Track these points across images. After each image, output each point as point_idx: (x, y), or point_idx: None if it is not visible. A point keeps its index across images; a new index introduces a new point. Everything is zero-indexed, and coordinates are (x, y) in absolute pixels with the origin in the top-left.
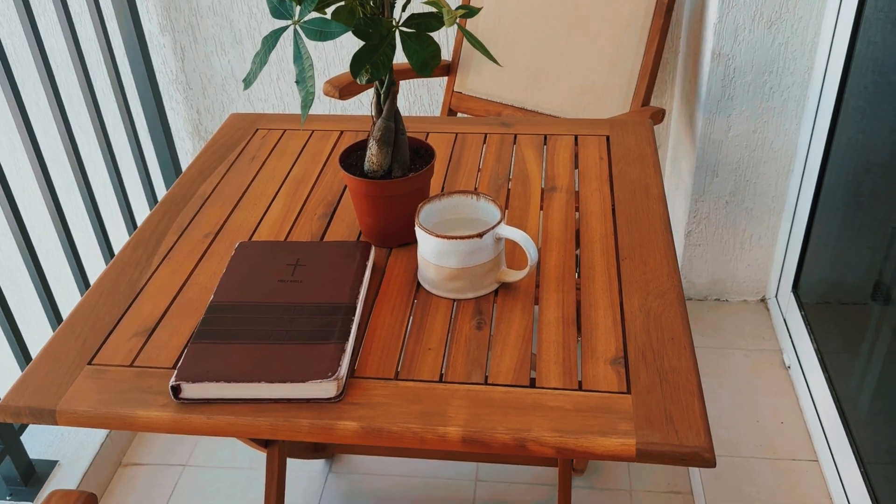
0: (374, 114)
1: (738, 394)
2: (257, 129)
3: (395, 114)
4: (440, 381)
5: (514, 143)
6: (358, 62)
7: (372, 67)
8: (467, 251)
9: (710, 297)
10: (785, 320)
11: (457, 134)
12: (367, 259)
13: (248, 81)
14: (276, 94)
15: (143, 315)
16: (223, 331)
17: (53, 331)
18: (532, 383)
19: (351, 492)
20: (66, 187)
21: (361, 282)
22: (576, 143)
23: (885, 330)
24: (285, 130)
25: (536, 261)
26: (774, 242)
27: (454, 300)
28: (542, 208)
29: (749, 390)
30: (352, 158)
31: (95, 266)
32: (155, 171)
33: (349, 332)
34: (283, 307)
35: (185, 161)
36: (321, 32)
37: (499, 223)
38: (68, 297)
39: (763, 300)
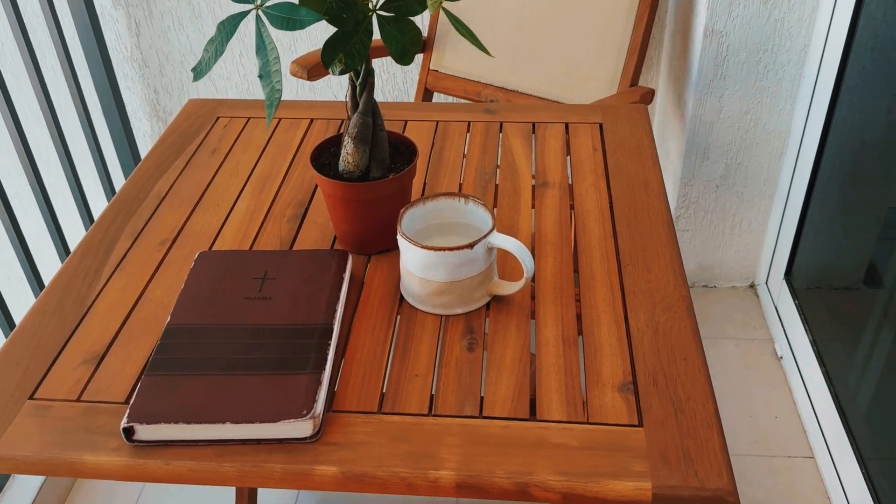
0: (348, 108)
1: (729, 386)
2: (218, 118)
3: (373, 107)
4: (430, 413)
5: (501, 131)
6: (330, 50)
7: (346, 57)
8: (456, 263)
9: (697, 283)
10: (776, 308)
11: (437, 122)
12: (344, 271)
13: (198, 72)
14: (238, 71)
15: (91, 338)
16: (181, 360)
17: (4, 332)
18: (532, 408)
19: (327, 498)
20: (15, 174)
21: (338, 298)
22: (567, 132)
23: (884, 318)
24: (249, 119)
25: (532, 273)
26: (765, 227)
27: (442, 316)
28: (533, 206)
29: (741, 382)
30: (324, 157)
31: (49, 259)
32: (111, 154)
33: (325, 359)
34: (251, 330)
35: (143, 144)
36: (288, 20)
37: (490, 231)
38: (24, 292)
39: (752, 286)
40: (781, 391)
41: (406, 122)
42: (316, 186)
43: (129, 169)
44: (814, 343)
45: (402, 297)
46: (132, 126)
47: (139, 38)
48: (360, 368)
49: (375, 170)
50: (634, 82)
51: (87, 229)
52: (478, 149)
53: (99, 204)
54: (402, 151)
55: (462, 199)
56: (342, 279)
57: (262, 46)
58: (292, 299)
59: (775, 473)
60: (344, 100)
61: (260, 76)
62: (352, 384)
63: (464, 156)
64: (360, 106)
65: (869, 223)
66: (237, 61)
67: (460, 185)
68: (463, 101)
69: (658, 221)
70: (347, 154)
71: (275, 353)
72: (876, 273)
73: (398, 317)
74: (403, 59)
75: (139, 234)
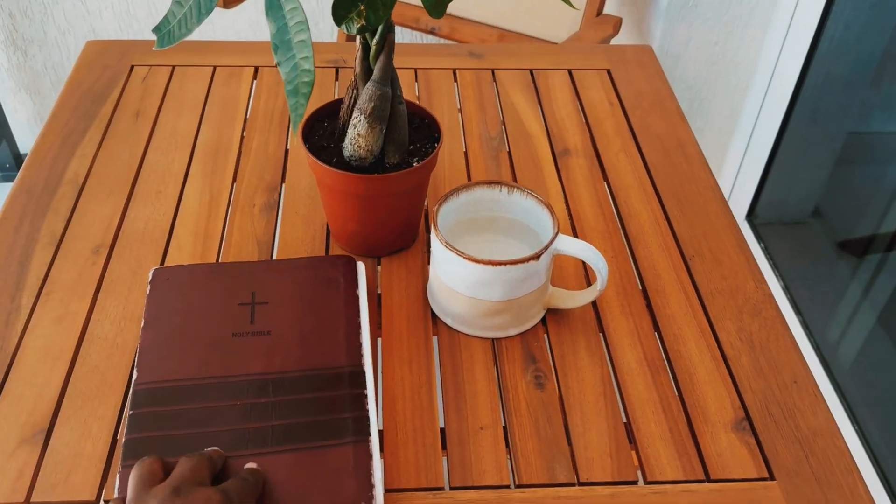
0: (358, 74)
1: None
2: (133, 67)
3: (391, 74)
4: (514, 485)
5: (494, 81)
6: (345, 2)
7: (368, 9)
8: (518, 279)
9: None
10: None
11: (416, 70)
12: (357, 286)
13: (165, 36)
14: None
15: (26, 405)
16: (167, 439)
17: None
18: (638, 459)
19: None
20: None
21: (359, 326)
22: (572, 81)
23: (860, 258)
24: (174, 67)
25: (606, 282)
26: (722, 165)
27: (492, 339)
28: (561, 182)
29: None
30: (316, 135)
31: None
32: None
33: (368, 418)
34: (254, 384)
35: (1, 78)
36: None
37: (556, 236)
38: None
39: None
40: None
41: None
42: (285, 160)
43: None
44: (786, 288)
45: (433, 313)
46: None
47: None
48: (407, 425)
49: (392, 154)
50: (600, 10)
51: None
52: (473, 106)
53: None
54: (416, 125)
55: (505, 189)
56: (356, 297)
57: (277, 3)
58: (299, 333)
59: None
60: (353, 68)
61: (274, 48)
62: (402, 449)
63: (459, 113)
64: (376, 72)
65: (843, 154)
66: None
67: (465, 154)
68: (402, 28)
69: (710, 198)
70: (358, 136)
71: (296, 415)
72: (854, 203)
73: (435, 337)
74: (438, 8)
75: (61, 240)
